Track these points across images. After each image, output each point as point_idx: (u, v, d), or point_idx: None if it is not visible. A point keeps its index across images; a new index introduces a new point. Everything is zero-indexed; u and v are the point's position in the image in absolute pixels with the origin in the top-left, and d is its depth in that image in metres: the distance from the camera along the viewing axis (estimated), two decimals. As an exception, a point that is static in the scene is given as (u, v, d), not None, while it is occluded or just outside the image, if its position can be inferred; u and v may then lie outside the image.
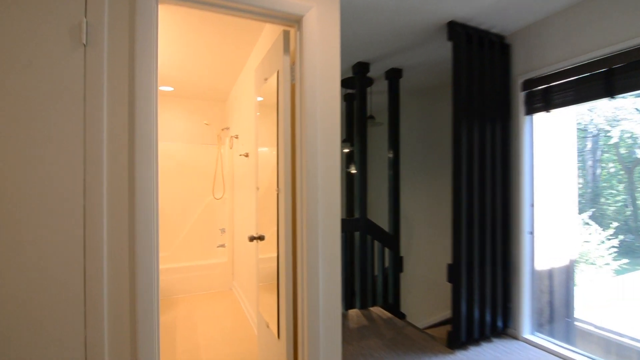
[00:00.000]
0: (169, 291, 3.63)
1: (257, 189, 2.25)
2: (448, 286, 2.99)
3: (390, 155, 3.22)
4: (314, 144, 1.59)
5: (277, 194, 1.79)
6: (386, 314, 2.95)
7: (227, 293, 3.80)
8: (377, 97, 4.02)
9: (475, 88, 2.31)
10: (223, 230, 4.26)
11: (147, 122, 1.27)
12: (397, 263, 3.15)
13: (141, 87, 1.26)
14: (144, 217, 1.25)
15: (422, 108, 4.03)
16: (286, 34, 1.66)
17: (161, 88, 3.91)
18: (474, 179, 2.28)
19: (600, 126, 2.81)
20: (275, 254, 1.82)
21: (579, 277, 2.74)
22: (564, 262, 2.50)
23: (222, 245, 4.09)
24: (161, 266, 3.66)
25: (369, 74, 3.28)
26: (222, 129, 4.02)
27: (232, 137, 3.63)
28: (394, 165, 3.21)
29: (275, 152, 1.87)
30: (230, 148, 3.77)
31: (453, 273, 2.24)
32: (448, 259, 2.95)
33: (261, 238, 2.05)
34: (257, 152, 2.31)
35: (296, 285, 1.68)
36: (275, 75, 1.78)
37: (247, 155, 3.02)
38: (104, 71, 1.21)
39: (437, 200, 3.77)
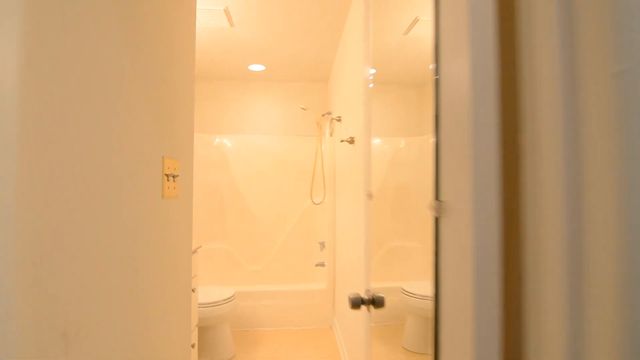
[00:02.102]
0: (254, 321, 2.85)
1: (369, 196, 1.15)
2: None
3: None
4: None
5: (435, 213, 0.65)
6: None
7: (325, 333, 2.82)
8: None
9: None
10: (322, 245, 3.32)
11: None
12: None
13: None
14: None
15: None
16: None
17: (250, 67, 3.20)
18: None
19: None
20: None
21: None
22: None
23: (322, 264, 3.14)
24: (247, 287, 2.91)
25: None
26: (323, 115, 3.09)
27: (332, 119, 2.64)
28: None
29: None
30: (331, 135, 2.79)
31: None
32: None
33: (378, 303, 0.94)
34: (369, 139, 1.24)
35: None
36: None
37: (351, 142, 1.96)
38: None
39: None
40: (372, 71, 1.36)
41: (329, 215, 2.96)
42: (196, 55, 3.19)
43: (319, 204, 3.28)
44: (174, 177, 1.04)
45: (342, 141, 1.98)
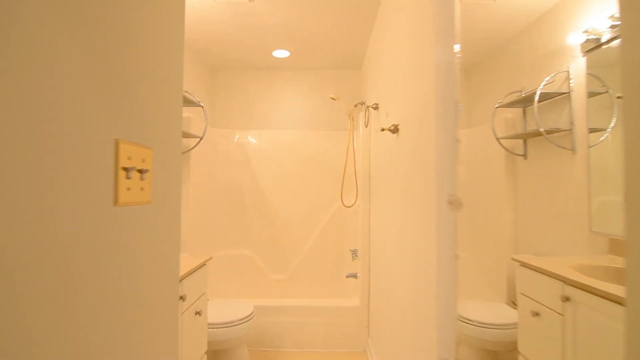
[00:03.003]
0: (275, 340, 2.49)
1: (455, 204, 0.73)
2: None
3: None
4: None
5: None
6: None
7: (359, 358, 2.41)
8: None
9: None
10: (355, 254, 2.92)
11: None
12: None
13: None
14: None
15: None
16: None
17: (275, 53, 2.86)
18: None
19: None
20: None
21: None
22: None
23: (354, 276, 2.74)
24: (269, 301, 2.56)
25: None
26: (355, 105, 2.69)
27: (368, 107, 2.23)
28: None
29: None
30: (366, 126, 2.38)
31: None
32: None
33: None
34: (452, 128, 0.83)
35: None
36: None
37: (394, 130, 1.55)
38: None
39: None
40: (457, 47, 0.93)
41: (363, 220, 2.55)
42: (214, 42, 2.93)
43: (351, 206, 2.88)
44: (141, 172, 0.69)
45: (382, 130, 1.58)
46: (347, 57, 2.99)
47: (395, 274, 1.58)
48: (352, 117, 2.91)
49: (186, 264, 1.51)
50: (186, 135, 2.28)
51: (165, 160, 0.80)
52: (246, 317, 2.02)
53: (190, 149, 2.46)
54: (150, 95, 0.74)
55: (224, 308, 2.11)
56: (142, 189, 0.70)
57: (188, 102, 2.30)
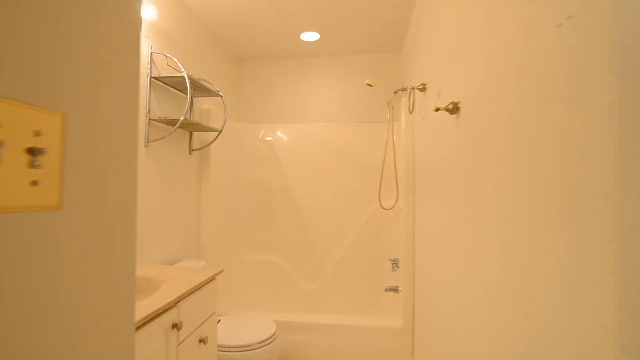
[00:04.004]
0: (305, 364, 2.17)
1: None
2: None
3: None
4: None
5: None
6: None
7: (402, 390, 2.02)
8: None
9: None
10: (395, 264, 2.52)
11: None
12: None
13: None
14: None
15: None
16: None
17: (302, 36, 2.54)
18: None
19: None
20: None
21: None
22: None
23: (394, 289, 2.35)
24: (296, 315, 2.24)
25: None
26: (395, 92, 2.30)
27: (413, 89, 1.84)
28: None
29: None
30: (411, 112, 1.99)
31: None
32: None
33: None
34: None
35: None
36: None
37: (453, 110, 1.16)
38: None
39: None
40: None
41: (406, 225, 2.15)
42: (239, 29, 2.64)
43: (390, 208, 2.49)
44: (32, 154, 0.39)
45: (437, 110, 1.19)
46: (384, 39, 2.61)
47: (459, 297, 1.18)
48: (392, 106, 2.51)
49: (187, 279, 1.23)
50: (205, 128, 2.02)
51: (98, 137, 0.49)
52: (267, 339, 1.71)
53: (209, 144, 2.20)
54: (60, 24, 0.43)
55: (242, 326, 1.82)
56: (34, 183, 0.40)
57: (206, 92, 2.05)
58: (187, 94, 1.93)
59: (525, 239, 0.68)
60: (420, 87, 1.78)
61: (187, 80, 1.72)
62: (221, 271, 1.40)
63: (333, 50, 2.81)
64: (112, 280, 0.51)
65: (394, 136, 2.64)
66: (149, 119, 1.73)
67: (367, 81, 2.34)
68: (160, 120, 1.77)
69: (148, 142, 1.73)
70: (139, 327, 0.90)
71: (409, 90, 2.00)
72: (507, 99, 0.78)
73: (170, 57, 1.83)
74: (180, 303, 1.09)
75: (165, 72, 1.86)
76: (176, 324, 1.05)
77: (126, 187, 0.55)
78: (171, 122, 1.81)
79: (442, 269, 1.39)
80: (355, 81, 2.87)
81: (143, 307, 0.96)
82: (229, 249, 2.66)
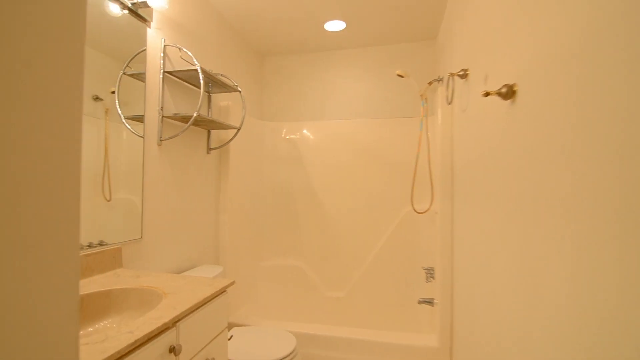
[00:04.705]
0: (329, 382, 1.99)
1: None
2: None
3: None
4: None
5: None
6: None
7: (439, 419, 1.78)
8: None
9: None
10: (430, 273, 2.28)
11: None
12: None
13: None
14: None
15: None
16: None
17: (327, 25, 2.37)
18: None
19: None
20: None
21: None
22: None
23: (429, 302, 2.12)
24: (319, 327, 2.07)
25: None
26: (430, 83, 2.07)
27: (452, 76, 1.60)
28: None
29: None
30: (449, 103, 1.75)
31: None
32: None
33: None
34: None
35: None
36: None
37: (508, 94, 0.93)
38: None
39: None
40: None
41: (443, 231, 1.91)
42: (261, 22, 2.47)
43: (424, 212, 2.25)
44: None
45: (486, 95, 0.97)
46: (417, 26, 2.37)
47: (516, 323, 0.96)
48: (426, 99, 2.28)
49: (192, 292, 1.09)
50: (223, 126, 1.91)
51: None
52: (286, 357, 1.55)
53: (227, 142, 2.08)
54: None
55: (257, 340, 1.68)
56: None
57: (223, 87, 1.92)
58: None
59: (612, 258, 0.46)
60: (461, 73, 1.54)
61: (200, 73, 1.60)
62: (232, 283, 1.25)
63: (360, 40, 2.61)
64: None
65: (428, 132, 2.40)
66: (162, 116, 1.63)
67: (398, 72, 2.12)
68: (174, 118, 1.66)
69: (161, 140, 1.63)
70: (125, 355, 0.76)
71: (446, 79, 1.77)
72: (586, 71, 0.56)
73: (184, 50, 1.72)
74: (180, 322, 0.95)
75: (180, 67, 1.75)
76: (174, 348, 0.91)
77: (73, 166, 0.39)
78: (185, 120, 1.70)
79: (491, 285, 1.15)
80: (385, 73, 2.65)
81: (134, 330, 0.83)
82: (249, 253, 2.54)
